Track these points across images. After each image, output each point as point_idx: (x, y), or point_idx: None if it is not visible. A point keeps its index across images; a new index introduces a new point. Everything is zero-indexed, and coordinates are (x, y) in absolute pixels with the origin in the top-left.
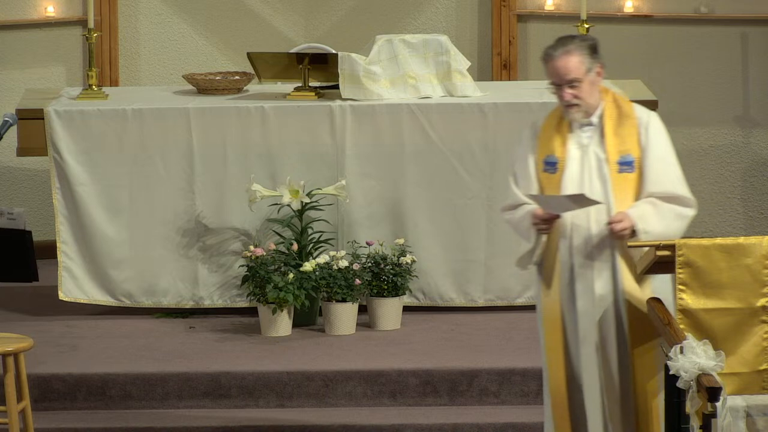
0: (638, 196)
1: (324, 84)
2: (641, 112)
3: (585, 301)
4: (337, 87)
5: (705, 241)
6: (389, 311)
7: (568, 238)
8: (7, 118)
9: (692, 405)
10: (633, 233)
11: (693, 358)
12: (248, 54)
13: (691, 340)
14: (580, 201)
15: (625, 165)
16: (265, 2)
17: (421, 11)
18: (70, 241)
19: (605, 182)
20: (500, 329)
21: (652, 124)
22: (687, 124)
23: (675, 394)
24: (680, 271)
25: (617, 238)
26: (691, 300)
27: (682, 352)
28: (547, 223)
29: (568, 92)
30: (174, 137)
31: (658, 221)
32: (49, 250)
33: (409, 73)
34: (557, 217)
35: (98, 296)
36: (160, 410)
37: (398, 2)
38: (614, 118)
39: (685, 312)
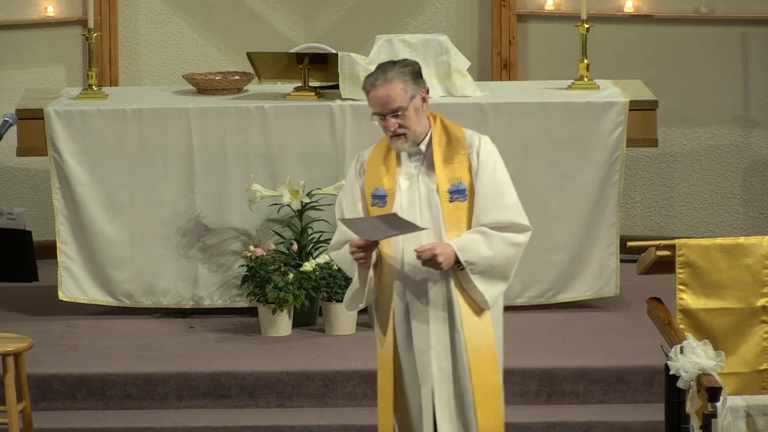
0: (471, 225)
1: (324, 84)
2: (472, 137)
3: (421, 341)
4: (337, 87)
5: (705, 241)
6: None
7: (401, 278)
8: (7, 118)
9: (692, 405)
10: (458, 263)
11: (693, 358)
12: (248, 54)
13: (691, 340)
14: (396, 223)
15: (456, 194)
16: (265, 2)
17: (421, 11)
18: (70, 241)
19: (436, 212)
20: None
21: (483, 149)
22: (687, 124)
23: (675, 394)
24: (680, 271)
25: (435, 268)
26: (691, 300)
27: (682, 352)
28: (364, 250)
29: (393, 122)
30: (174, 137)
31: (486, 251)
32: (49, 250)
33: None
34: (375, 244)
35: (98, 296)
36: (160, 410)
37: (398, 2)
38: (443, 145)
39: (685, 312)
